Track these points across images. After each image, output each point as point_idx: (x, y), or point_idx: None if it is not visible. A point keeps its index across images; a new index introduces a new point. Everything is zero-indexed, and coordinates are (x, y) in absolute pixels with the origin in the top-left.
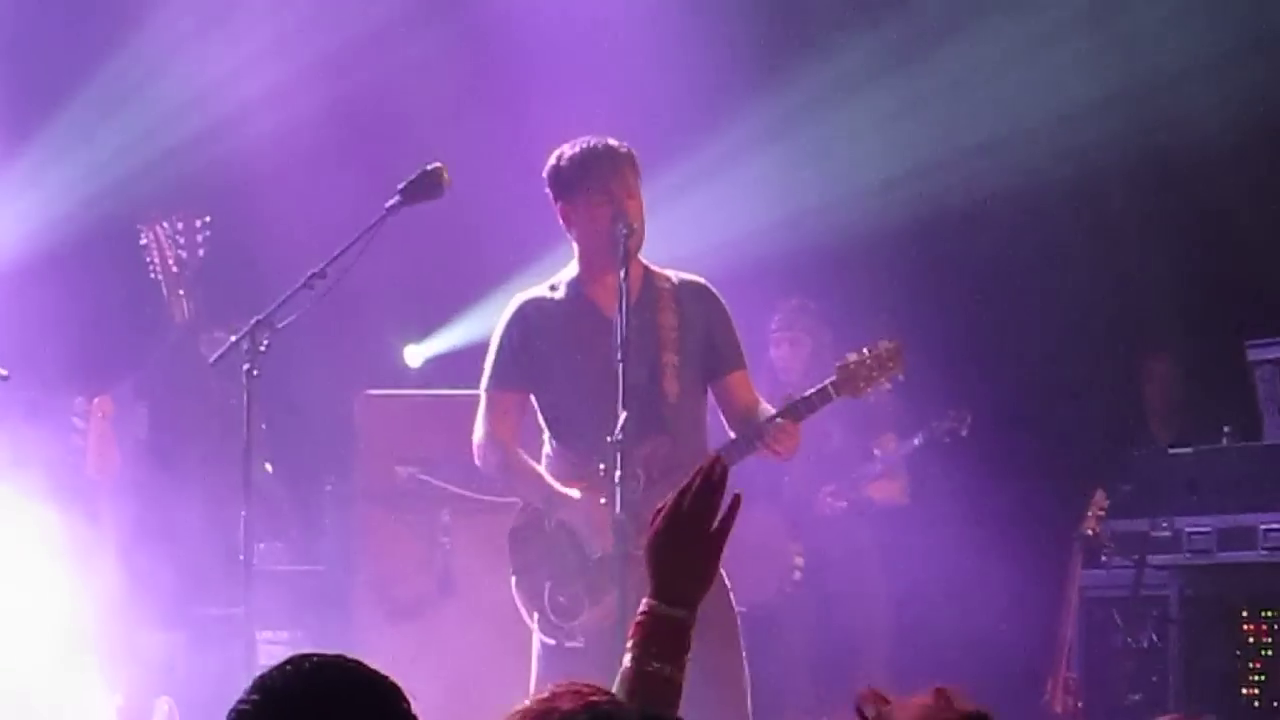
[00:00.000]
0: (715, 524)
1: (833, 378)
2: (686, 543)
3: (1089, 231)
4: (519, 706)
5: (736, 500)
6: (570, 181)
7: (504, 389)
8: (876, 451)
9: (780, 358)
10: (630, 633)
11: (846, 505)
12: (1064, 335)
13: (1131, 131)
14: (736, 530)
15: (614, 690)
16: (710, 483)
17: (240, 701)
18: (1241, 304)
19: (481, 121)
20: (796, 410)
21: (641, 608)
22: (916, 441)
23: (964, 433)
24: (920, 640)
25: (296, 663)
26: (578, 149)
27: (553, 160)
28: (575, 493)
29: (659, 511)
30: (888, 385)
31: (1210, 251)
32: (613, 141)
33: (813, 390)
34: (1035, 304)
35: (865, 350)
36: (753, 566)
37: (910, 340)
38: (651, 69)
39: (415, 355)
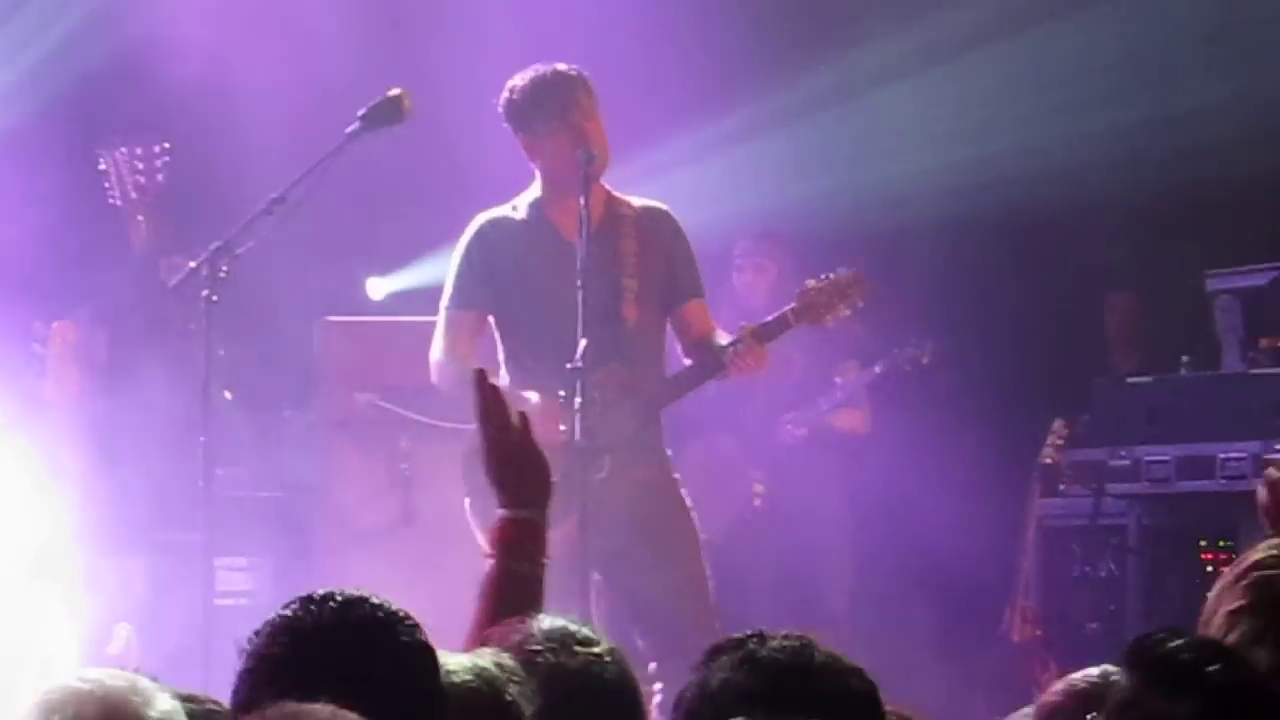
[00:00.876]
0: (509, 428)
1: (793, 304)
2: (502, 454)
3: (1051, 163)
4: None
5: (494, 393)
6: (526, 113)
7: (463, 308)
8: (838, 379)
9: (743, 284)
10: (488, 543)
11: (807, 433)
12: (1025, 263)
13: (1095, 68)
14: (697, 459)
15: (479, 595)
16: (485, 399)
17: (265, 647)
18: (1201, 234)
19: (453, 51)
20: (758, 333)
21: (494, 520)
22: (878, 369)
23: (925, 360)
24: (880, 569)
25: (319, 601)
26: (528, 79)
27: (505, 94)
28: (533, 394)
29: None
30: (847, 312)
31: (1171, 182)
32: (562, 66)
33: (772, 317)
34: (997, 233)
35: (825, 277)
36: (712, 494)
37: (873, 269)
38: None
39: (378, 288)
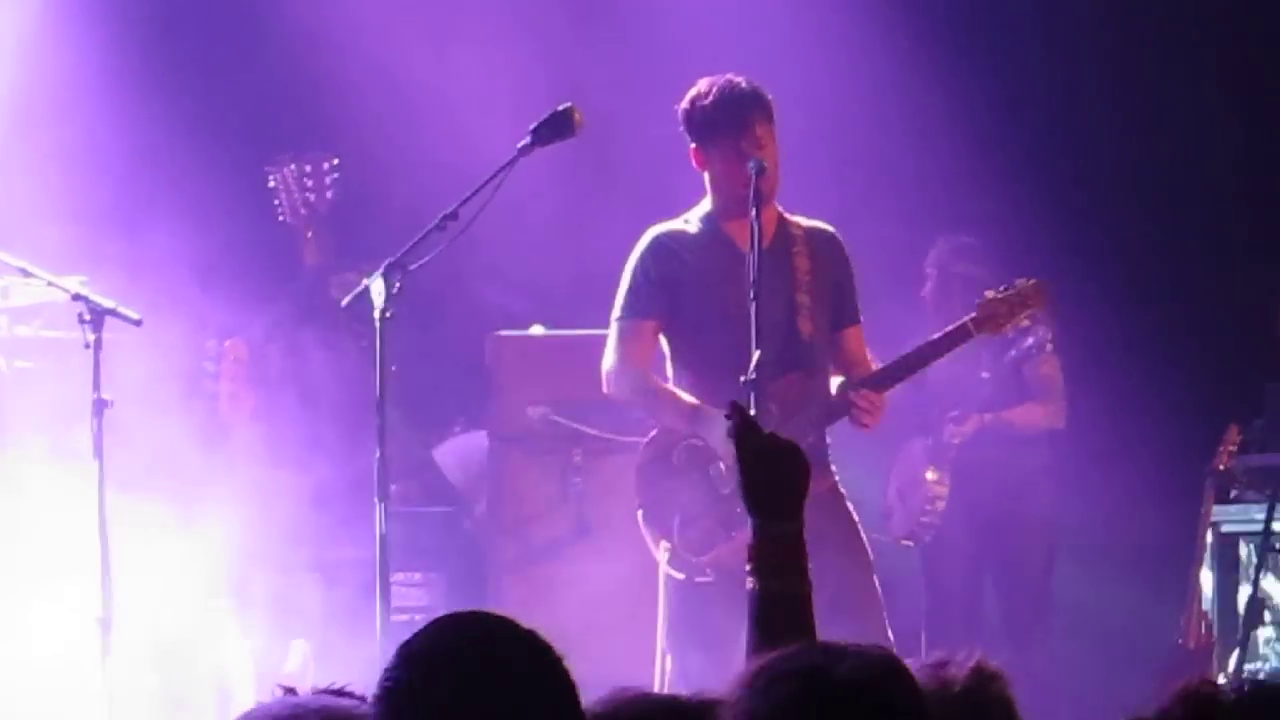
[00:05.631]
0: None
1: (972, 314)
2: (754, 465)
3: (1228, 164)
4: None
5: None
6: (704, 124)
7: (638, 317)
8: (984, 374)
9: (930, 292)
10: (746, 559)
11: (971, 430)
12: (1198, 268)
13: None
14: (898, 463)
15: (747, 621)
16: (740, 425)
17: (387, 679)
18: None
19: (634, 65)
20: (874, 381)
21: (749, 533)
22: (1013, 353)
23: (1049, 348)
24: (1060, 574)
25: (442, 626)
26: (713, 89)
27: (687, 102)
28: (719, 412)
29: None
30: (1027, 322)
31: None
32: (743, 83)
33: (953, 327)
34: (1170, 237)
35: (1005, 288)
36: (905, 497)
37: (1048, 270)
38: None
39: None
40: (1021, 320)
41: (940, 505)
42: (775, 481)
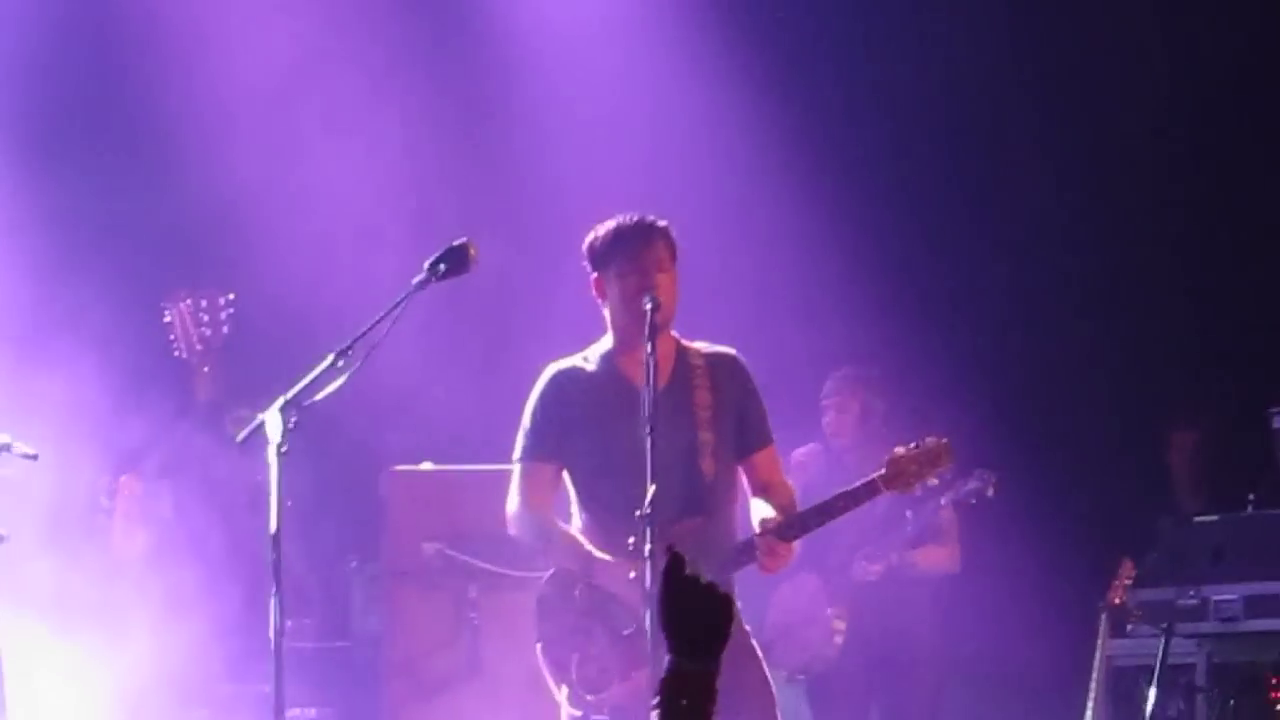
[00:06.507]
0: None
1: (881, 471)
2: (693, 598)
3: (1119, 302)
4: None
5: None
6: (603, 253)
7: (538, 459)
8: (908, 513)
9: (829, 424)
10: (655, 693)
11: (882, 570)
12: (1091, 404)
13: (1162, 205)
14: (784, 598)
15: None
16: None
17: None
18: (1267, 371)
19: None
20: (792, 527)
21: (665, 668)
22: (943, 501)
23: (990, 493)
24: (954, 709)
25: None
26: (613, 223)
27: (590, 235)
28: (613, 559)
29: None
30: (935, 481)
31: (1236, 319)
32: (649, 216)
33: (863, 483)
34: (1063, 373)
35: (914, 445)
36: (796, 632)
37: (941, 406)
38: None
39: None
40: (929, 479)
41: (839, 639)
42: (700, 622)
